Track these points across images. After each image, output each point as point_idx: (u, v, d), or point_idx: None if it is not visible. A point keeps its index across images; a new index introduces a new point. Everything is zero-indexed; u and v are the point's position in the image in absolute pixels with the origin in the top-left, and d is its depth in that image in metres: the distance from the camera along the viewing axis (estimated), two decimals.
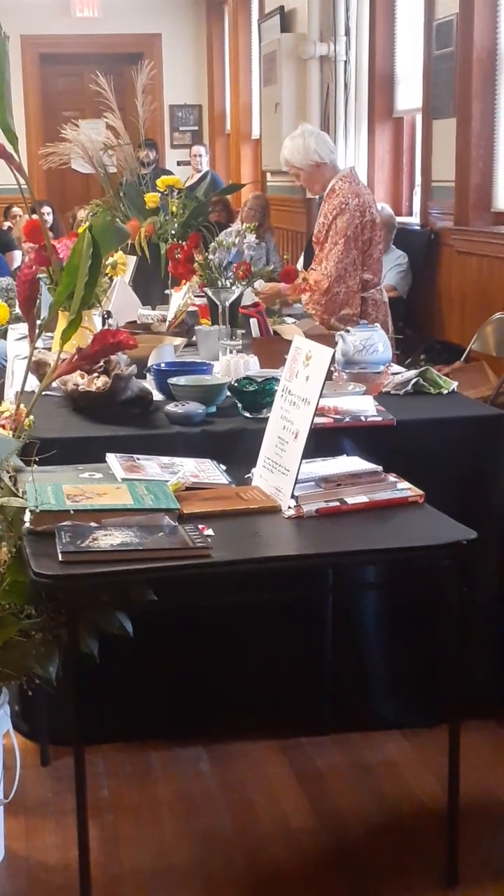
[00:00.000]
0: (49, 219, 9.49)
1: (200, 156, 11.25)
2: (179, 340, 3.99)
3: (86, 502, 2.56)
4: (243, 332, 4.07)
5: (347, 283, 4.54)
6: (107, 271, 4.34)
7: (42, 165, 5.69)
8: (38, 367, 3.38)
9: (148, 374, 3.56)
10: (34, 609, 2.62)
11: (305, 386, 2.71)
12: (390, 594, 3.31)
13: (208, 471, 2.92)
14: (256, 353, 3.77)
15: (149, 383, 3.48)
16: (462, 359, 5.77)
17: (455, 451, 3.25)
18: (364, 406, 3.25)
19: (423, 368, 3.63)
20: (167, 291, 4.74)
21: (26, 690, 2.71)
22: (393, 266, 6.64)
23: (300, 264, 7.11)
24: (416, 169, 7.58)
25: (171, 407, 3.24)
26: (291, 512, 2.66)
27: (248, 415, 3.27)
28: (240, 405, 3.30)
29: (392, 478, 2.82)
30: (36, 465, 2.76)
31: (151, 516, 2.54)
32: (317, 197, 5.00)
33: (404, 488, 2.79)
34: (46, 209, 9.60)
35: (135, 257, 5.11)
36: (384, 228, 5.32)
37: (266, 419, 2.92)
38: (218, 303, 4.06)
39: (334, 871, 2.76)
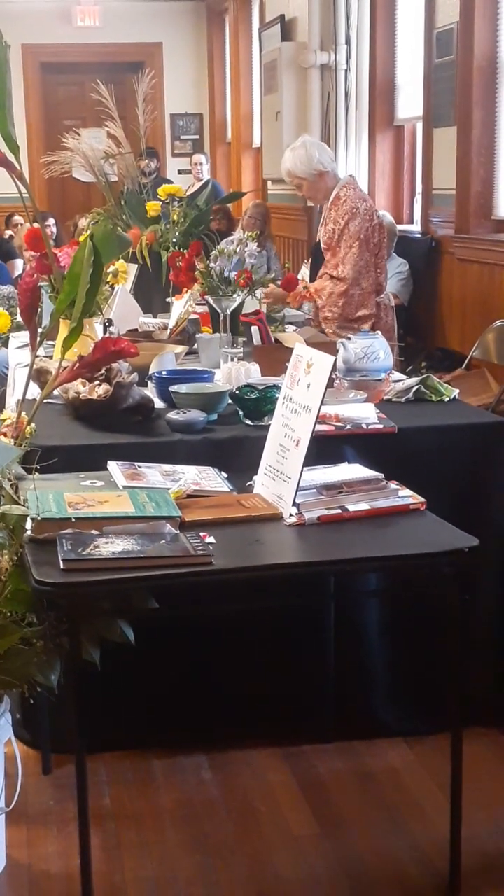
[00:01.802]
0: (53, 230, 9.51)
1: (201, 164, 11.27)
2: (181, 348, 3.99)
3: (87, 510, 2.56)
4: (244, 339, 4.07)
5: (362, 286, 4.64)
6: (108, 279, 4.34)
7: (43, 174, 5.70)
8: (39, 376, 3.39)
9: (149, 382, 3.56)
10: (36, 617, 2.62)
11: (307, 393, 2.71)
12: (392, 601, 3.31)
13: (210, 478, 2.92)
14: (258, 360, 3.77)
15: (150, 391, 3.48)
16: (463, 366, 5.77)
17: (456, 458, 3.25)
18: (365, 414, 3.25)
19: (424, 376, 3.62)
20: (168, 300, 4.74)
21: (28, 698, 2.71)
22: (394, 274, 6.65)
23: (302, 273, 7.13)
24: (416, 177, 7.60)
25: (172, 415, 3.24)
26: (293, 519, 2.66)
27: (249, 422, 3.27)
28: (241, 413, 3.30)
29: (393, 485, 2.82)
30: (37, 473, 2.76)
31: (153, 524, 2.54)
32: (318, 206, 5.04)
33: (406, 496, 2.79)
34: (50, 220, 9.62)
35: (136, 265, 5.11)
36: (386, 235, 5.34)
37: (267, 427, 2.92)
38: (219, 311, 4.06)
39: (336, 880, 2.75)
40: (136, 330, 4.46)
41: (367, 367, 3.57)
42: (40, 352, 3.30)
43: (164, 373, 3.58)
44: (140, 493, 2.68)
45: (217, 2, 12.57)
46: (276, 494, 2.75)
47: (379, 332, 3.80)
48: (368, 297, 4.67)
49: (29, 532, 2.54)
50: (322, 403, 2.68)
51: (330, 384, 2.85)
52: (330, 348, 3.47)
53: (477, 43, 6.09)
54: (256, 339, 4.15)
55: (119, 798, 3.09)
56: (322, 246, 4.80)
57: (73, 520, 2.52)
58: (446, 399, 3.52)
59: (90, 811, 2.45)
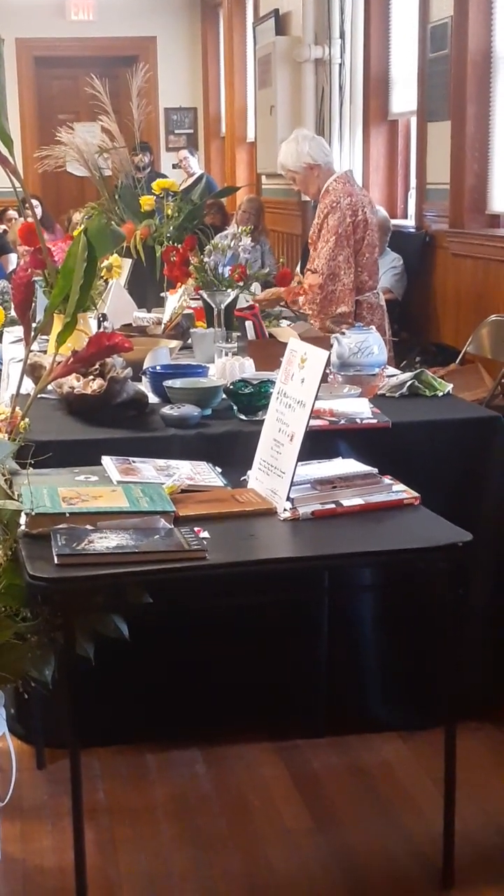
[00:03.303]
0: (38, 212, 9.47)
1: (186, 159, 11.24)
2: (175, 343, 3.99)
3: (81, 505, 2.56)
4: (239, 334, 4.07)
5: (342, 281, 4.60)
6: (102, 274, 4.34)
7: (37, 168, 5.70)
8: (33, 370, 3.39)
9: (143, 377, 3.56)
10: (30, 612, 2.62)
11: (301, 388, 2.71)
12: (386, 596, 3.31)
13: (204, 473, 2.92)
14: (252, 355, 3.77)
15: (144, 386, 3.48)
16: (457, 361, 5.77)
17: (450, 453, 3.25)
18: (359, 408, 3.25)
19: (418, 371, 3.63)
20: (162, 294, 4.73)
21: (22, 693, 2.71)
22: (388, 269, 6.65)
23: (300, 268, 7.12)
24: (410, 171, 7.59)
25: (166, 409, 3.24)
26: (287, 514, 2.66)
27: (243, 417, 3.27)
28: (235, 408, 3.30)
29: (387, 480, 2.82)
30: (31, 468, 2.76)
31: (147, 519, 2.54)
32: (313, 201, 5.04)
33: (400, 490, 2.79)
34: (34, 202, 9.59)
35: (130, 260, 5.11)
36: (379, 231, 5.34)
37: (261, 422, 2.92)
38: (213, 305, 4.06)
39: (331, 874, 2.76)
40: (131, 325, 4.45)
41: (361, 362, 3.57)
42: (34, 346, 3.30)
43: (158, 368, 3.58)
44: (134, 488, 2.68)
45: None
46: (271, 489, 2.75)
47: (373, 327, 3.79)
48: (349, 294, 4.62)
49: (23, 527, 2.54)
50: (316, 398, 2.68)
51: (324, 379, 2.85)
52: (324, 343, 3.47)
53: (471, 37, 6.08)
54: (251, 334, 4.15)
55: (113, 792, 3.10)
56: (308, 241, 4.80)
57: (68, 515, 2.52)
58: (440, 394, 3.53)
59: (84, 806, 2.45)
